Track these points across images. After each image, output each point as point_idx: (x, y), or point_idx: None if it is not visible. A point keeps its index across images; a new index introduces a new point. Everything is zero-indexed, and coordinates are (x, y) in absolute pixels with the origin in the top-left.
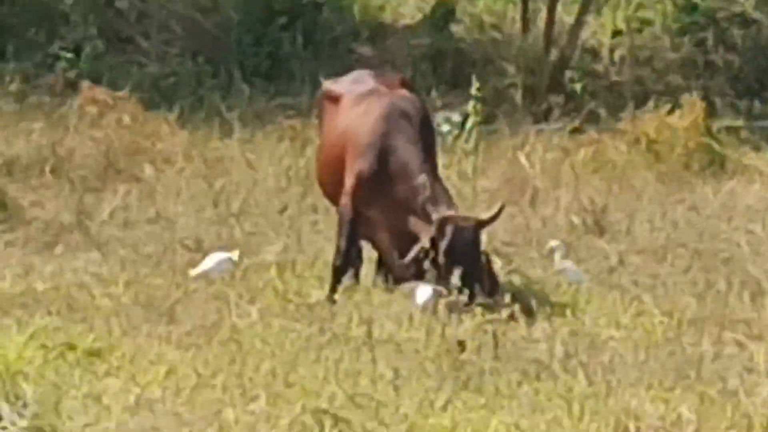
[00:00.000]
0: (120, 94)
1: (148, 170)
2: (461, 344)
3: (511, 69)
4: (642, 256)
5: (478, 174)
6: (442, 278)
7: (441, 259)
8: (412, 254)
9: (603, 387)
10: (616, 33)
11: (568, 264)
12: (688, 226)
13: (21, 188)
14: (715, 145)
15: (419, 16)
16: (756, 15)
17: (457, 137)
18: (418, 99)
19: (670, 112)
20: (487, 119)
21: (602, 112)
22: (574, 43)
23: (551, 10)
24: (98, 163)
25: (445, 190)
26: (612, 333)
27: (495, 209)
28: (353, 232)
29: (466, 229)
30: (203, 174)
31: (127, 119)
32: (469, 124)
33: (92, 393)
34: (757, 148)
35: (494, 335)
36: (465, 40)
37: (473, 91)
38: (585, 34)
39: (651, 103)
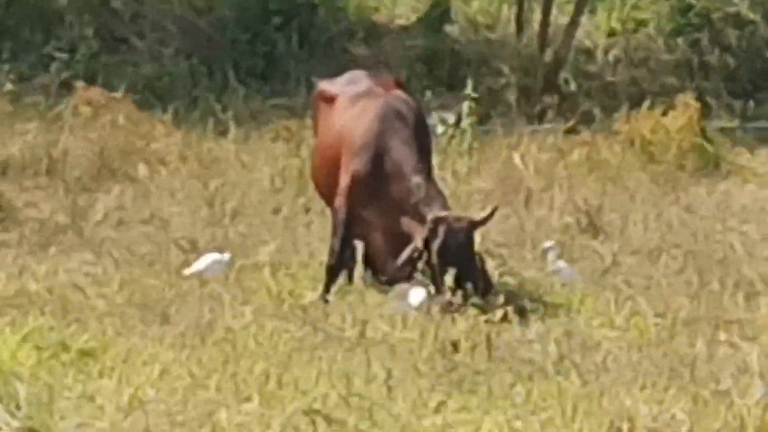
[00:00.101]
0: (114, 94)
1: (143, 171)
2: (455, 345)
3: (505, 69)
4: (636, 257)
5: (473, 174)
6: (436, 279)
7: (434, 259)
8: (405, 255)
9: (596, 387)
10: (611, 34)
11: (562, 264)
12: (682, 227)
13: (15, 189)
14: (710, 146)
15: (414, 17)
16: (751, 16)
17: (451, 138)
18: (412, 99)
19: (665, 112)
20: (482, 120)
21: (597, 112)
22: (568, 43)
23: (546, 11)
24: (93, 164)
25: (439, 191)
26: (605, 333)
27: (488, 210)
28: (347, 232)
29: (458, 230)
30: (198, 174)
31: (121, 119)
32: (463, 124)
33: (86, 393)
34: (751, 149)
35: (488, 336)
36: (460, 41)
37: (468, 91)
38: (579, 34)
39: (645, 104)
